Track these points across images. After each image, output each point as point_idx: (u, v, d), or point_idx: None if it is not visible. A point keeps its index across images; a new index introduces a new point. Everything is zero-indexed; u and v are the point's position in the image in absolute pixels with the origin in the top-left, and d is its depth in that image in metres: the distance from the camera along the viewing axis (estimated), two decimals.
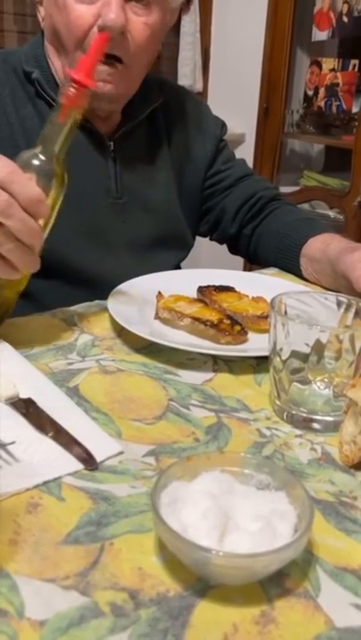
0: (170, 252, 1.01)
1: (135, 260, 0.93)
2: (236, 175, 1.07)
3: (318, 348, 0.52)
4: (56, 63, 0.89)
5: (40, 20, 0.89)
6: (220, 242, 1.13)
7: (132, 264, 0.87)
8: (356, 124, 2.19)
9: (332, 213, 2.33)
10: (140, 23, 0.82)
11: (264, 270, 0.99)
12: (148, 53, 0.87)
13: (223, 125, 1.10)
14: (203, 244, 1.18)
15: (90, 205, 0.91)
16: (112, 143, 0.93)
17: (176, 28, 2.56)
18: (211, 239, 1.13)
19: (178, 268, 1.05)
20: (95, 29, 0.80)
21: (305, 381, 0.54)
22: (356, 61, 2.30)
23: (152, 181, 0.98)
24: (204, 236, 1.13)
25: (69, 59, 0.85)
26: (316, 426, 0.54)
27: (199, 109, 1.08)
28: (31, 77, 0.88)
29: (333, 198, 2.31)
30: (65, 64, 0.86)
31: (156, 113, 0.99)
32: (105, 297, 0.76)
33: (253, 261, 1.10)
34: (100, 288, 0.79)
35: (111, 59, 0.82)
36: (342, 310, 0.58)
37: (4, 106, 0.88)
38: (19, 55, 0.91)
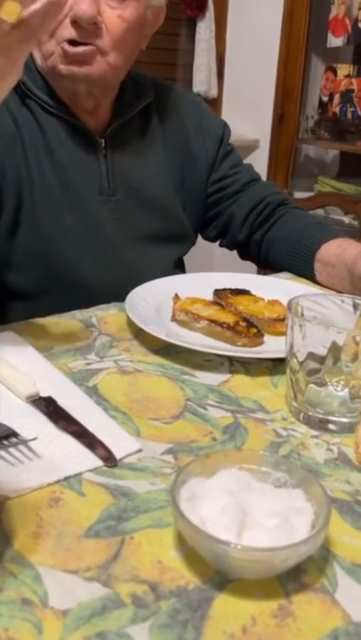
0: (168, 248, 1.00)
1: (133, 257, 0.91)
2: (244, 180, 1.07)
3: (335, 349, 0.53)
4: (38, 60, 0.88)
5: None
6: (230, 248, 1.12)
7: (129, 261, 0.85)
8: None
9: (346, 219, 2.33)
10: (115, 16, 0.82)
11: (279, 274, 1.00)
12: (126, 47, 0.86)
13: (225, 126, 1.09)
14: (216, 248, 1.18)
15: (83, 203, 0.90)
16: (103, 140, 0.92)
17: (191, 35, 2.58)
18: (220, 245, 1.13)
19: (179, 263, 1.05)
20: (68, 20, 0.81)
21: (321, 383, 0.55)
22: None
23: (147, 177, 0.97)
24: (213, 241, 1.13)
25: (43, 50, 0.84)
26: (332, 427, 0.55)
27: (198, 109, 1.07)
28: None
29: (348, 204, 2.31)
30: (39, 56, 0.86)
31: (149, 110, 0.98)
32: (104, 299, 0.78)
33: (265, 267, 1.10)
34: (98, 290, 0.78)
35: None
36: (359, 313, 0.59)
37: (7, 102, 0.87)
38: None
